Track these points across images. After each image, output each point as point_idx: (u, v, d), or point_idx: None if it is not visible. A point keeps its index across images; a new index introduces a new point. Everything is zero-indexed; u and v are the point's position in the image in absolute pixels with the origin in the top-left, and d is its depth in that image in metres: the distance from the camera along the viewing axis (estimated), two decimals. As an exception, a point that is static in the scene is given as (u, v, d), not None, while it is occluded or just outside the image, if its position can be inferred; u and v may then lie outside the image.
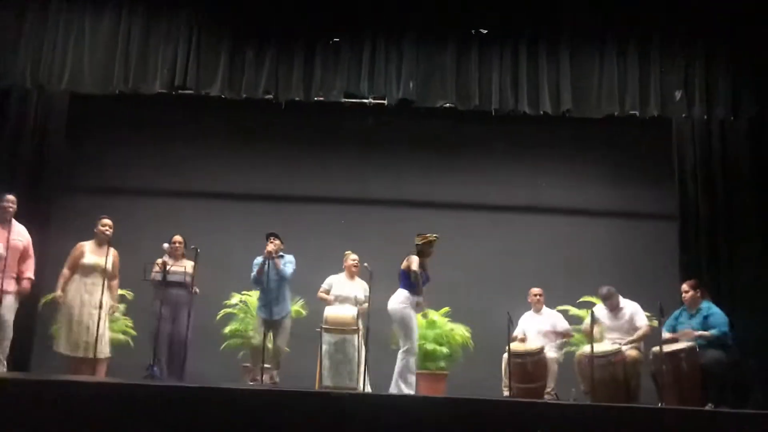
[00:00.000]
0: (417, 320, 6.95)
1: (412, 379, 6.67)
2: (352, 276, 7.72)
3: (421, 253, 6.87)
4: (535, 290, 8.07)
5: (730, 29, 8.07)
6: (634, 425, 4.09)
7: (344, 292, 7.58)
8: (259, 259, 7.44)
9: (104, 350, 7.00)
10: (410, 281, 6.74)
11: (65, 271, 7.04)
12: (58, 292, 6.97)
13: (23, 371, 7.46)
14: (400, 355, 6.70)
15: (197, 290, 7.33)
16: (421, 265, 6.83)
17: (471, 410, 4.17)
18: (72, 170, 9.08)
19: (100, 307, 6.85)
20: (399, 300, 6.72)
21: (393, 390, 6.61)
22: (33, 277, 6.76)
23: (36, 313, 7.89)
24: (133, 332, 8.26)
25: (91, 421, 3.91)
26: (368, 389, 7.08)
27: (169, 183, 9.64)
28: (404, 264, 6.87)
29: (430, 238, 6.92)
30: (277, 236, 7.41)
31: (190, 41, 7.98)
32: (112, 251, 7.15)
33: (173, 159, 9.64)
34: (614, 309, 7.31)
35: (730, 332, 6.81)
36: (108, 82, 7.87)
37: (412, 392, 6.59)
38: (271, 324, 7.20)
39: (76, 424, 3.92)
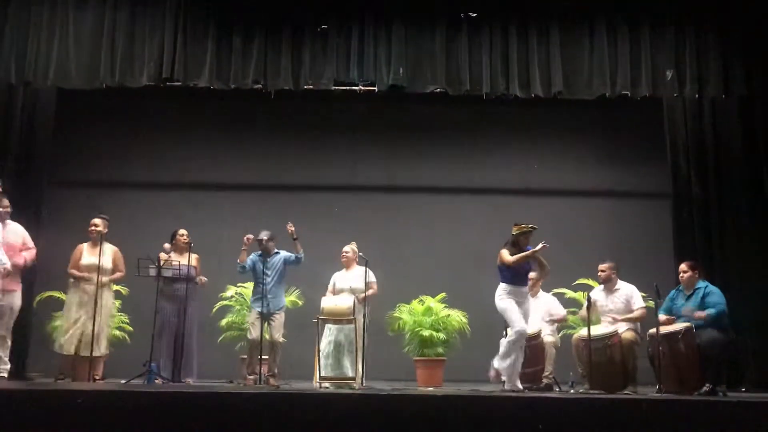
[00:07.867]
0: (518, 307, 6.66)
1: (510, 356, 6.63)
2: (347, 267, 7.68)
3: (516, 243, 6.74)
4: (532, 274, 8.05)
5: (720, 7, 8.05)
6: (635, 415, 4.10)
7: (339, 284, 7.56)
8: (252, 258, 7.42)
9: (101, 349, 7.05)
10: (506, 274, 6.70)
11: (72, 271, 7.12)
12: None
13: (21, 370, 7.49)
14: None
15: (204, 279, 7.27)
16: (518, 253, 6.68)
17: (470, 406, 4.17)
18: (61, 164, 9.00)
19: (95, 305, 6.81)
20: (497, 294, 6.74)
21: (495, 359, 6.68)
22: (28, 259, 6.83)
23: (32, 311, 7.83)
24: (130, 328, 8.23)
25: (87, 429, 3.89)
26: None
27: (160, 175, 9.58)
28: (498, 260, 6.78)
29: (526, 229, 6.74)
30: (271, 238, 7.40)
31: (176, 32, 7.88)
32: (110, 248, 7.17)
33: (163, 151, 9.58)
34: None
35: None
36: (94, 76, 7.80)
37: (504, 365, 6.59)
38: (265, 317, 7.18)
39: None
